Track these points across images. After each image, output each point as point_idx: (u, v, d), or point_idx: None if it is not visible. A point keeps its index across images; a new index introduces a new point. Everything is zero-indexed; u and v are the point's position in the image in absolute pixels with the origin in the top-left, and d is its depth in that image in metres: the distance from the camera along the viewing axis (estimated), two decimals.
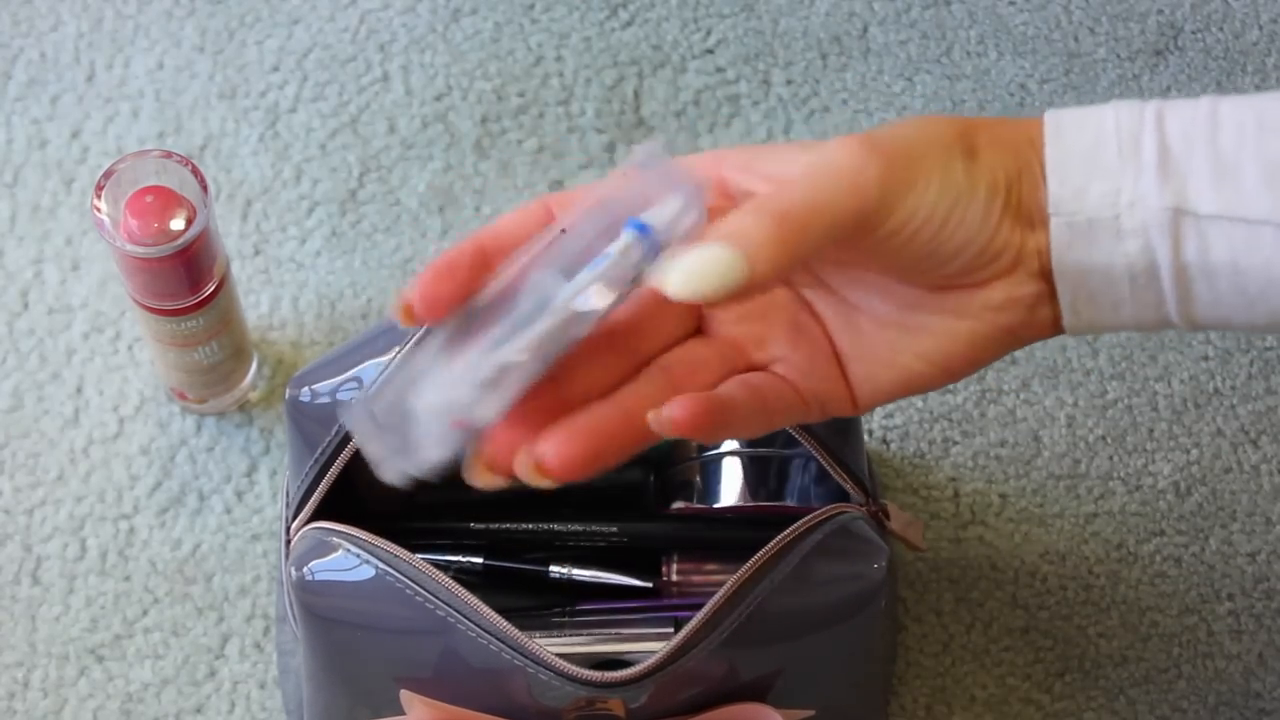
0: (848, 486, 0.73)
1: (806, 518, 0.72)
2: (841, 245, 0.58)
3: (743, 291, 0.55)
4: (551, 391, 0.58)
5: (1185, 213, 0.58)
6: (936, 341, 0.62)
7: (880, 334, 0.62)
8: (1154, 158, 0.58)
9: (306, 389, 0.73)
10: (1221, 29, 1.03)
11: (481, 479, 0.58)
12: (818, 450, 0.72)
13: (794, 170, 0.59)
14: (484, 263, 0.58)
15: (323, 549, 0.72)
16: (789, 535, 0.71)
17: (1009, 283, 0.61)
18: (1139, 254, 0.59)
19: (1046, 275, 0.60)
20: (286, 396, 0.74)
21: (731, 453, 0.77)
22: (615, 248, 0.56)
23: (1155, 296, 0.59)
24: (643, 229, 0.56)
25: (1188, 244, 0.58)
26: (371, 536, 0.71)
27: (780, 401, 0.61)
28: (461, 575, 0.71)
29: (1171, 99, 0.60)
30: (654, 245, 0.56)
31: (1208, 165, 0.58)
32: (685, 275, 0.55)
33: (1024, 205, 0.60)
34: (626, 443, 0.58)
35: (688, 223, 0.56)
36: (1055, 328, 0.61)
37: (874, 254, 0.60)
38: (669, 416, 0.56)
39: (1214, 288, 0.59)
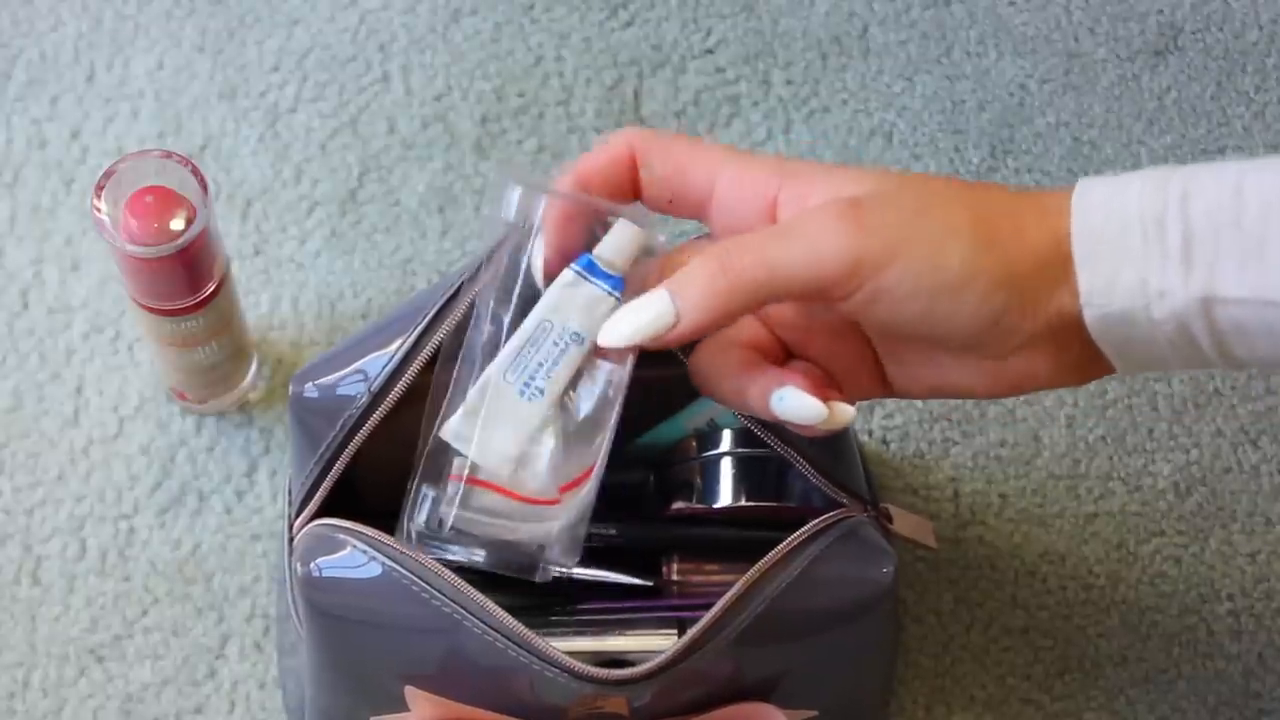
0: (843, 499, 0.73)
1: (815, 521, 0.72)
2: (815, 303, 0.62)
3: (673, 340, 0.62)
4: None
5: (1213, 299, 0.58)
6: (978, 377, 0.64)
7: (922, 362, 0.65)
8: (1178, 243, 0.58)
9: (310, 384, 0.73)
10: (1221, 29, 1.03)
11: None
12: (809, 470, 0.72)
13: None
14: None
15: (330, 545, 0.71)
16: (798, 538, 0.71)
17: (1037, 354, 0.62)
18: (1175, 332, 0.60)
19: (1084, 339, 0.61)
20: (290, 393, 0.74)
21: (731, 453, 0.77)
22: (556, 283, 0.64)
23: (1198, 356, 0.60)
24: (587, 264, 0.63)
25: (1221, 323, 0.59)
26: (378, 533, 0.70)
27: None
28: (460, 573, 0.70)
29: (1196, 168, 0.59)
30: (599, 272, 0.63)
31: (1235, 249, 0.58)
32: (618, 326, 0.62)
33: (1041, 302, 0.60)
34: None
35: (630, 246, 0.64)
36: (1107, 370, 0.63)
37: (864, 318, 0.62)
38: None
39: (1253, 350, 0.59)
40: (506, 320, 0.64)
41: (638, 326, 0.62)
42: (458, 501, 0.64)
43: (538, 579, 0.64)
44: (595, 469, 0.65)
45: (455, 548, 0.65)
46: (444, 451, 0.64)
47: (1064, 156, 0.99)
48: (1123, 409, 0.93)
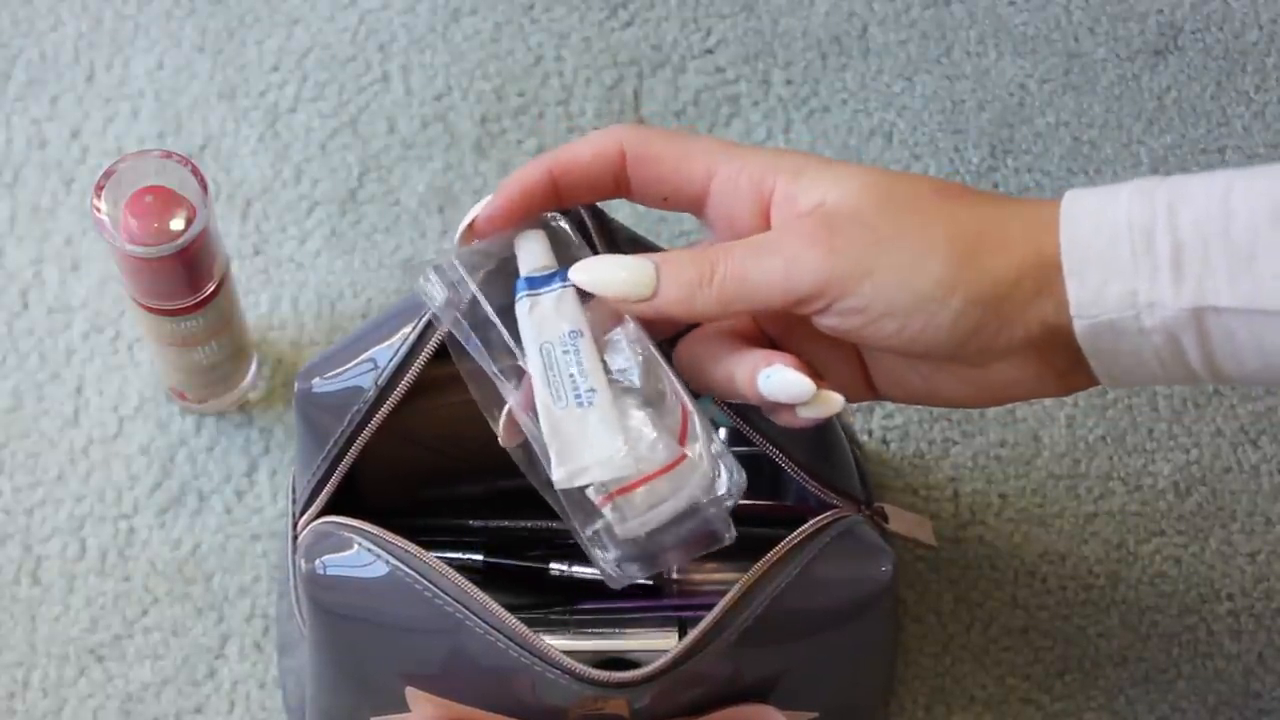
0: (833, 499, 0.73)
1: (812, 521, 0.72)
2: (794, 312, 0.62)
3: (644, 311, 0.63)
4: None
5: (1205, 309, 0.58)
6: (960, 385, 0.64)
7: (905, 369, 0.65)
8: (1168, 255, 0.58)
9: (318, 378, 0.73)
10: (1221, 29, 1.03)
11: None
12: (796, 469, 0.72)
13: (825, 195, 0.62)
14: (555, 192, 0.65)
15: (336, 544, 0.71)
16: (795, 538, 0.71)
17: (1019, 364, 0.62)
18: (1164, 344, 0.60)
19: (1068, 349, 0.61)
20: (296, 389, 0.74)
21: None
22: (520, 317, 0.65)
23: (1186, 371, 0.60)
24: (527, 284, 0.65)
25: (1211, 335, 0.59)
26: (383, 531, 0.70)
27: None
28: (462, 573, 0.70)
29: (1185, 178, 0.60)
30: (539, 281, 0.65)
31: (1223, 259, 0.58)
32: (594, 269, 0.63)
33: (1020, 315, 0.60)
34: None
35: (542, 245, 0.65)
36: (1092, 381, 0.63)
37: (843, 331, 0.62)
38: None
39: (1242, 364, 0.59)
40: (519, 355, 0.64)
41: (612, 280, 0.63)
42: (625, 516, 0.63)
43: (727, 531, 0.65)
44: (686, 404, 0.64)
45: (660, 551, 0.65)
46: (577, 494, 0.64)
47: (1064, 156, 0.99)
48: (1123, 409, 0.93)
